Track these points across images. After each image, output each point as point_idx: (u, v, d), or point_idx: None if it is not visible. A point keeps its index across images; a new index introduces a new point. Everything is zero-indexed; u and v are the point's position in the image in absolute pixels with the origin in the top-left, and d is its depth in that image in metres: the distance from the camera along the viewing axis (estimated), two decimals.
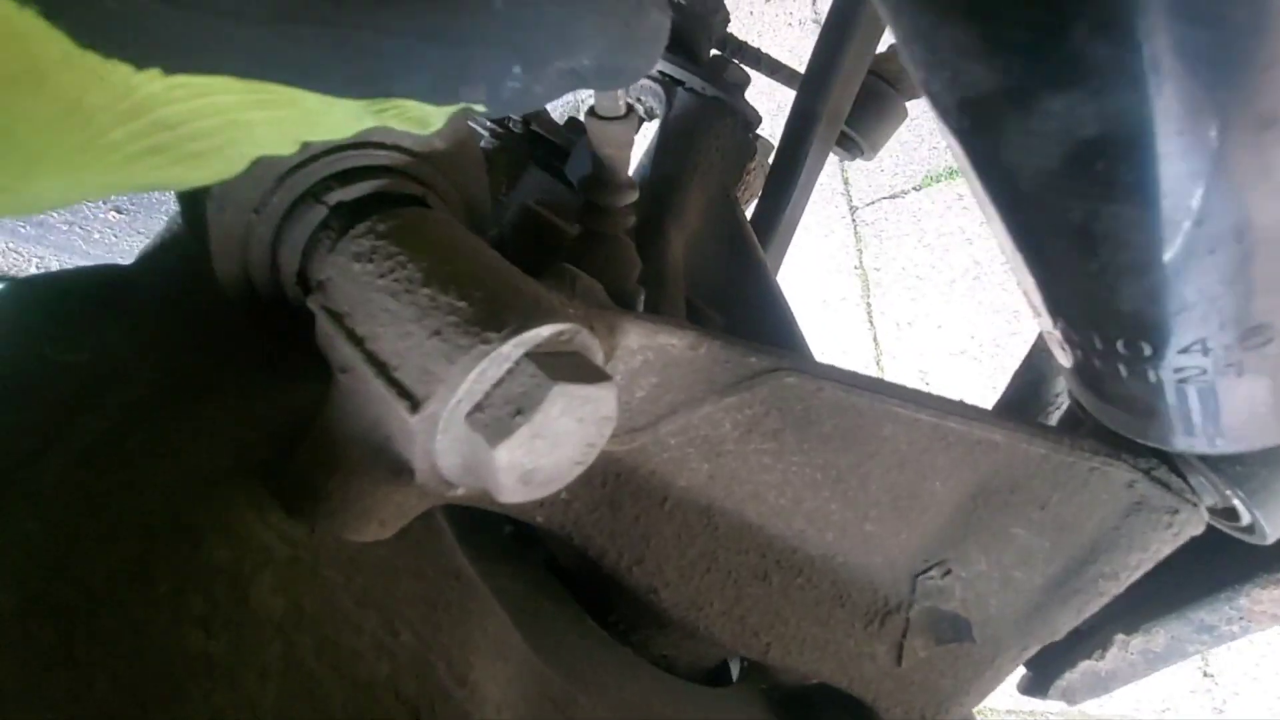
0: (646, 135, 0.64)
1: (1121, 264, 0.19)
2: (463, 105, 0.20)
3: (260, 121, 0.18)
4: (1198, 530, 0.34)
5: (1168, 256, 0.18)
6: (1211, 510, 0.34)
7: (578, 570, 0.37)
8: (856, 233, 1.29)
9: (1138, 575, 0.35)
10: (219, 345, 0.29)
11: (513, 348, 0.21)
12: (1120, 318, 0.21)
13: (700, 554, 0.32)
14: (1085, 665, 0.48)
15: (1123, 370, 0.24)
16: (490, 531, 0.37)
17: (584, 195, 0.34)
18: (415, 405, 0.20)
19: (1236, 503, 0.32)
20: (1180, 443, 0.28)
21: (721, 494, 0.31)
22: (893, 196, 1.26)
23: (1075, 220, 0.18)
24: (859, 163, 1.43)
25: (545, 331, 0.21)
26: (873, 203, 1.29)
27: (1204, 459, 0.32)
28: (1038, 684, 0.50)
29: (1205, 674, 0.92)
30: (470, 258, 0.24)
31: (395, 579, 0.25)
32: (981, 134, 0.18)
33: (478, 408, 0.21)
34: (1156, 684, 0.92)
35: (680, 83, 0.60)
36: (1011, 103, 0.16)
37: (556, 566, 0.38)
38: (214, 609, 0.21)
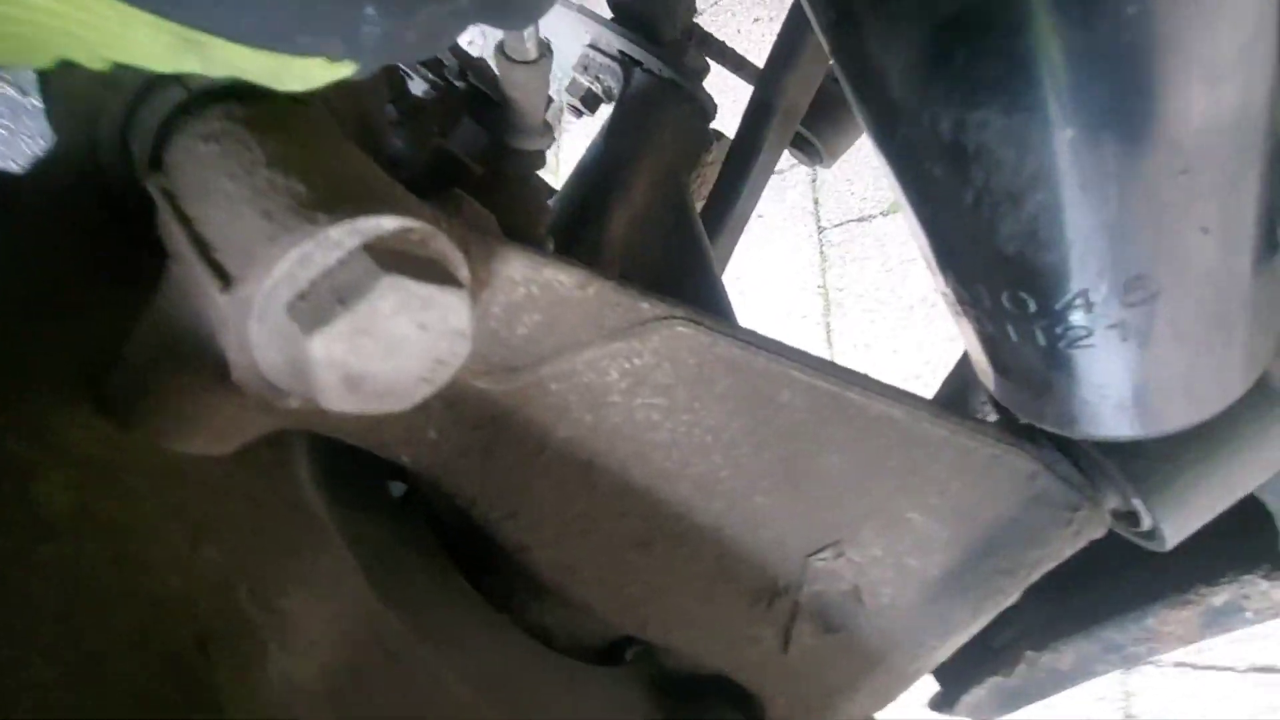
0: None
1: (996, 190, 0.18)
2: (327, 60, 0.18)
3: (60, 27, 0.16)
4: (1099, 532, 0.33)
5: (1040, 180, 0.17)
6: (1115, 514, 0.33)
7: (458, 529, 0.35)
8: (822, 252, 1.30)
9: (1037, 575, 0.34)
10: (97, 259, 0.27)
11: (345, 234, 0.19)
12: (1002, 265, 0.20)
13: (577, 514, 0.30)
14: (993, 681, 0.47)
15: (1012, 332, 0.23)
16: (369, 483, 0.35)
17: (489, 134, 0.32)
18: (227, 284, 0.18)
19: (1136, 502, 0.31)
20: (1074, 426, 0.27)
21: (604, 450, 0.29)
22: (860, 220, 1.27)
23: (945, 134, 0.17)
24: (828, 185, 1.44)
25: (388, 223, 0.19)
26: (840, 224, 1.29)
27: (1106, 453, 0.31)
28: (946, 699, 0.49)
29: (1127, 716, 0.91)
30: (329, 151, 0.22)
31: (220, 499, 0.23)
32: (847, 27, 0.16)
33: (300, 296, 0.19)
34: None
35: (638, 63, 0.59)
36: None
37: (439, 525, 0.36)
38: None
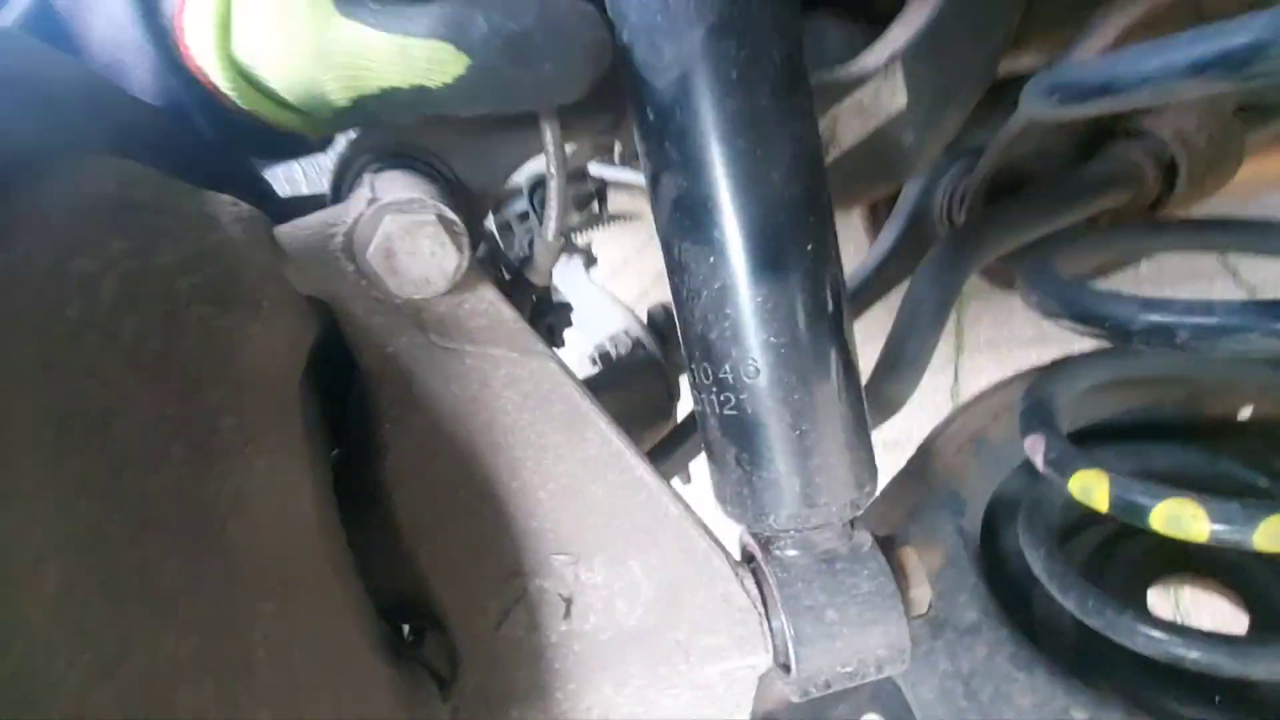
0: None
1: (691, 288, 0.39)
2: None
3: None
4: (759, 660, 0.43)
5: (708, 282, 0.38)
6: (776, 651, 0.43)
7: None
8: None
9: (709, 668, 0.42)
10: None
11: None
12: (696, 341, 0.40)
13: (436, 469, 0.45)
14: None
15: (703, 403, 0.41)
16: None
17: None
18: None
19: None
20: (723, 505, 0.42)
21: (470, 417, 0.46)
22: None
23: (675, 255, 0.39)
24: None
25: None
26: None
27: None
28: None
29: None
30: None
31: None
32: (654, 204, 0.40)
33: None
34: None
35: (644, 346, 0.87)
36: (650, 181, 0.39)
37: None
38: None
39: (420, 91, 0.37)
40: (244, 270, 0.35)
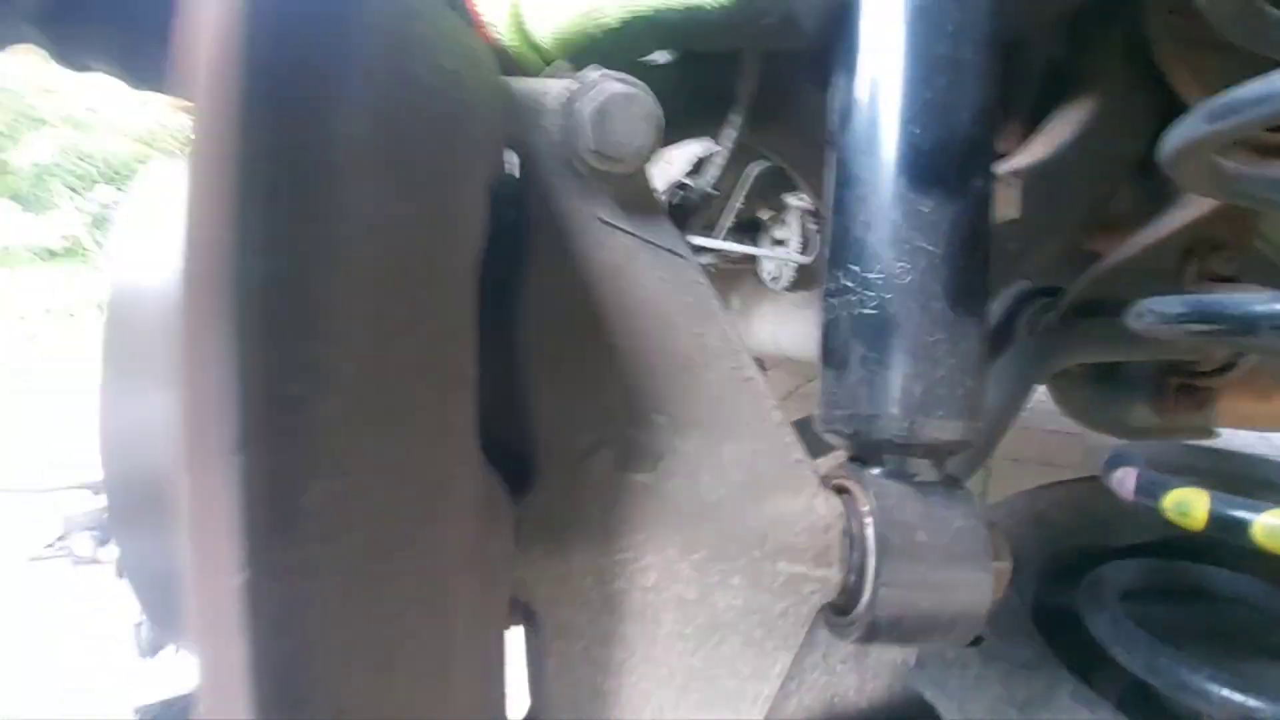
0: None
1: (859, 195, 0.44)
2: None
3: None
4: None
5: None
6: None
7: None
8: None
9: (779, 566, 0.41)
10: None
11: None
12: (851, 245, 0.44)
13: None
14: None
15: (838, 307, 0.44)
16: None
17: None
18: None
19: None
20: (833, 423, 0.43)
21: (609, 277, 0.50)
22: None
23: (848, 168, 0.44)
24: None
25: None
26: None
27: None
28: None
29: None
30: None
31: None
32: (838, 129, 0.46)
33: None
34: None
35: None
36: (839, 110, 0.46)
37: None
38: None
39: (691, 13, 0.45)
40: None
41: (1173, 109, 0.82)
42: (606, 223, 0.50)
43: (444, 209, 0.36)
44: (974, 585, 0.41)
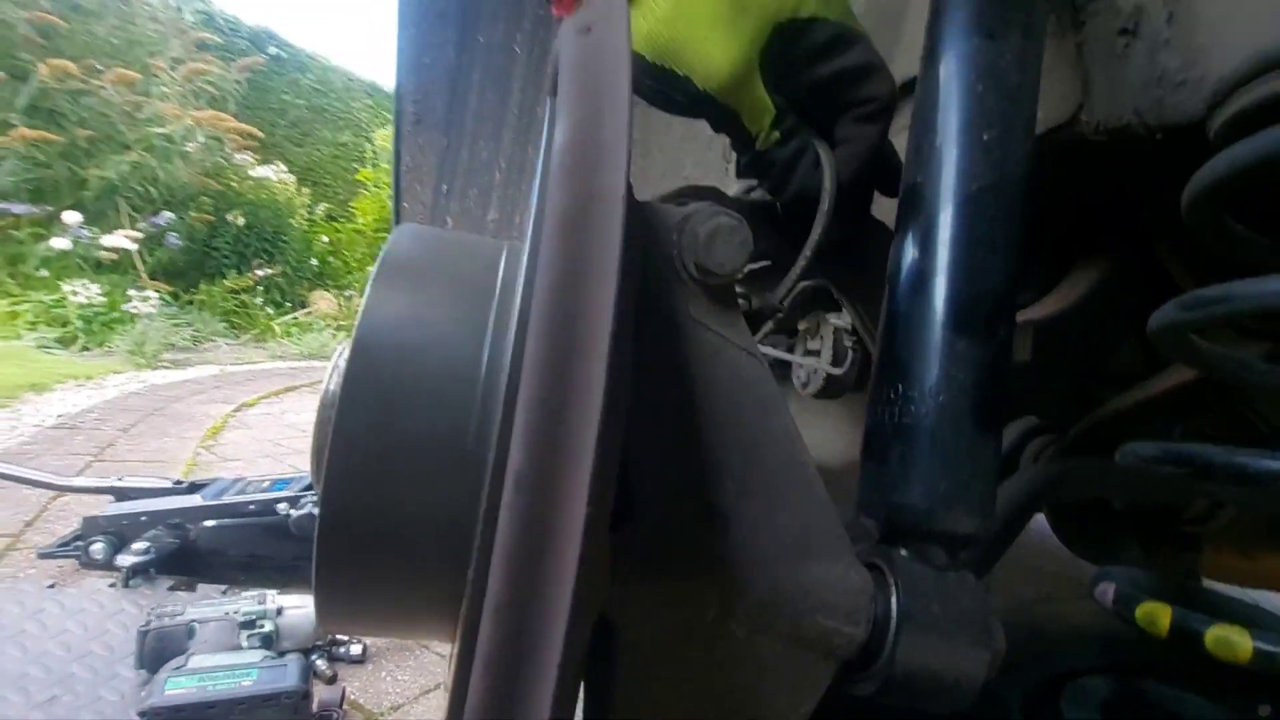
0: None
1: (906, 330, 0.55)
2: None
3: None
4: None
5: None
6: None
7: None
8: None
9: (813, 620, 0.50)
10: None
11: None
12: (896, 366, 0.55)
13: None
14: None
15: (881, 414, 0.55)
16: None
17: None
18: None
19: None
20: (867, 510, 0.53)
21: (694, 373, 0.61)
22: None
23: (897, 307, 0.56)
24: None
25: None
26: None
27: None
28: None
29: None
30: None
31: None
32: (892, 272, 0.58)
33: None
34: None
35: None
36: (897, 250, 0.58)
37: None
38: None
39: (840, 29, 0.59)
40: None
41: (1172, 284, 0.96)
42: (699, 322, 0.62)
43: None
44: (974, 658, 0.49)
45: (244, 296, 7.79)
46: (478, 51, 1.36)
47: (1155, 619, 0.52)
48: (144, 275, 6.56)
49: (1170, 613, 0.52)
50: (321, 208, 9.81)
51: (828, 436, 1.47)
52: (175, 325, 6.35)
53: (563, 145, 0.37)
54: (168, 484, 1.55)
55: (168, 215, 6.89)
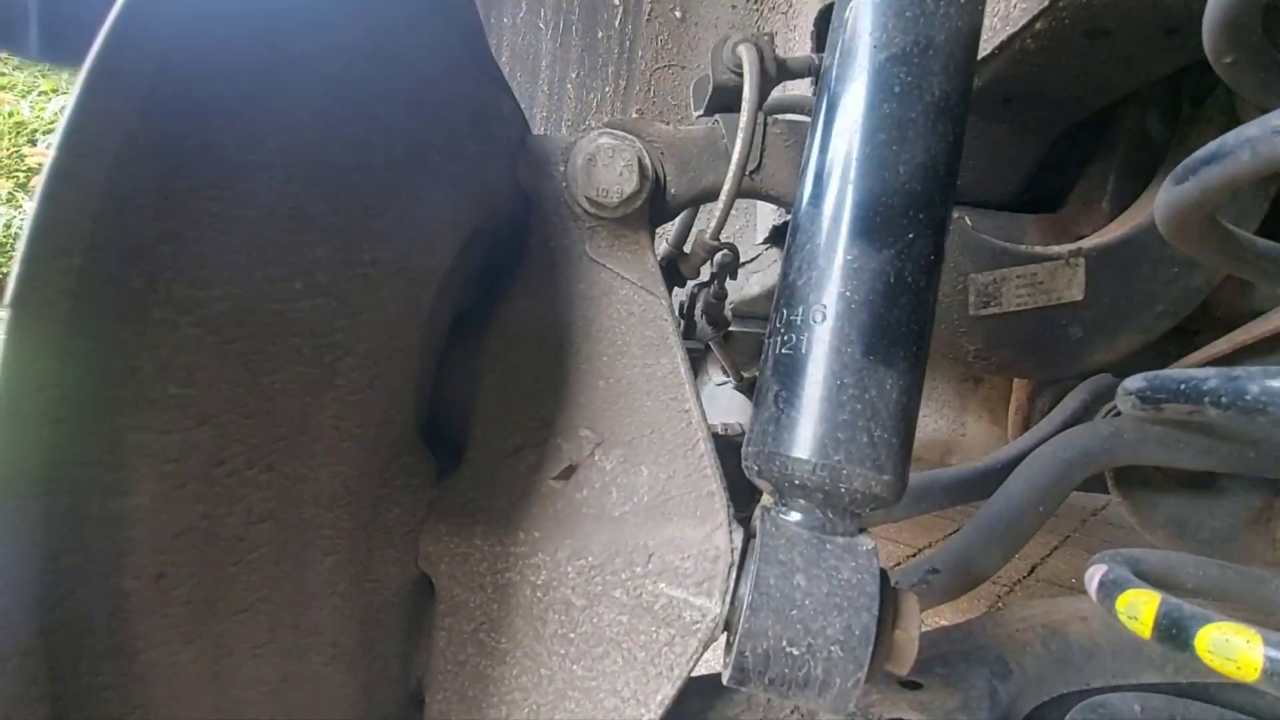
0: None
1: (798, 243, 0.45)
2: None
3: None
4: None
5: None
6: None
7: None
8: None
9: (660, 588, 0.42)
10: None
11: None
12: (786, 289, 0.45)
13: None
14: None
15: (769, 347, 0.45)
16: None
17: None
18: None
19: None
20: (750, 461, 0.43)
21: (579, 305, 0.54)
22: None
23: (797, 217, 0.46)
24: None
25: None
26: None
27: None
28: None
29: None
30: None
31: None
32: (801, 177, 0.48)
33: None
34: None
35: None
36: (805, 161, 0.48)
37: None
38: None
39: None
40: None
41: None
42: (592, 259, 0.56)
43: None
44: (849, 644, 0.38)
45: None
46: (504, 33, 1.36)
47: (1137, 610, 0.38)
48: None
49: (1158, 604, 0.37)
50: None
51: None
52: None
53: None
54: None
55: None
